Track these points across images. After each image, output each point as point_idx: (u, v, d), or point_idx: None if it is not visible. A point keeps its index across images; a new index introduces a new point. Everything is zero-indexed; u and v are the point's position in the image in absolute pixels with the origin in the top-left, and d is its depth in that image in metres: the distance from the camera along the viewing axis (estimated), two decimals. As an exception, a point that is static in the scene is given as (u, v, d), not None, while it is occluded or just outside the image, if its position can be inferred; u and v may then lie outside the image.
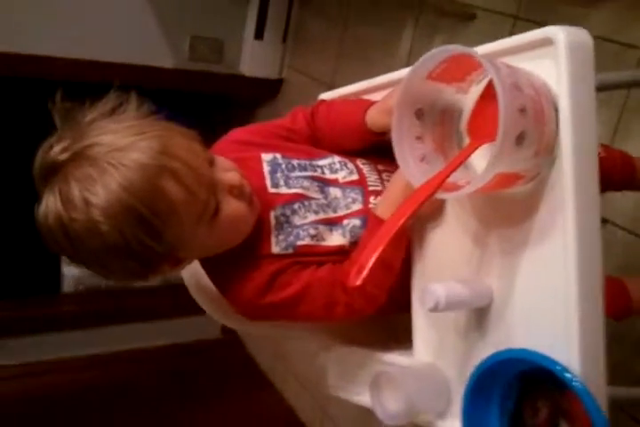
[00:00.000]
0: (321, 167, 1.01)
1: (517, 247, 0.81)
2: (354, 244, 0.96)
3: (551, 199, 0.77)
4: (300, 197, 0.97)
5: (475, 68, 0.80)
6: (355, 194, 0.99)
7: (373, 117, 0.98)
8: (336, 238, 0.97)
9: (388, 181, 0.99)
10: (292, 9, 2.58)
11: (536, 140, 0.73)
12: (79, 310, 3.04)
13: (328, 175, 1.00)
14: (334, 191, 0.99)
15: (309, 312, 0.96)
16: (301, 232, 0.95)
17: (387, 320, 1.13)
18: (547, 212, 0.78)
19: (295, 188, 0.97)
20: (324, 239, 0.96)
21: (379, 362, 1.01)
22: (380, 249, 0.75)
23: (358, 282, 0.75)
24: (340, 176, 1.00)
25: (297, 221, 0.96)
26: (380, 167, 1.03)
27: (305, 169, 0.99)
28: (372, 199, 0.99)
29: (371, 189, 1.00)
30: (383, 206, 0.93)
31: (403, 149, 0.81)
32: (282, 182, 0.97)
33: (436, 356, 0.92)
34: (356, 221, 0.97)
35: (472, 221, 0.87)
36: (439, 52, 0.75)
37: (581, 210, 0.75)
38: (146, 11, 2.46)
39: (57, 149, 0.83)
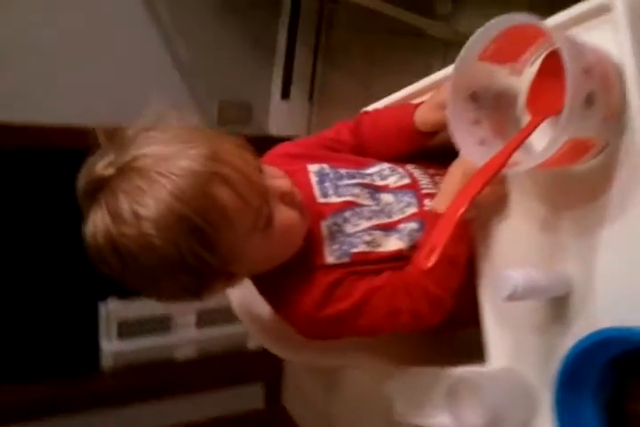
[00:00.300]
0: (370, 175, 0.98)
1: (592, 227, 0.76)
2: (412, 248, 0.92)
3: (624, 171, 0.73)
4: (350, 205, 0.93)
5: (529, 44, 0.78)
6: (408, 198, 0.95)
7: (423, 115, 0.95)
8: (393, 243, 0.93)
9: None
10: (316, 67, 2.62)
11: (604, 103, 0.69)
12: (120, 387, 2.97)
13: (378, 182, 0.97)
14: (386, 197, 0.96)
15: (372, 324, 0.91)
16: (355, 240, 0.92)
17: (448, 337, 1.07)
18: (620, 185, 0.74)
19: (345, 196, 0.94)
20: (380, 245, 0.92)
21: (450, 378, 0.95)
22: (450, 228, 0.71)
23: (430, 263, 0.71)
24: (391, 181, 0.97)
25: (349, 229, 0.92)
26: (432, 171, 1.00)
27: (353, 177, 0.96)
28: (426, 202, 0.95)
29: (424, 191, 0.96)
30: (441, 201, 0.89)
31: (460, 133, 0.78)
32: (331, 191, 0.94)
33: (513, 359, 0.86)
34: (414, 225, 0.93)
35: (538, 205, 0.82)
36: (493, 26, 0.73)
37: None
38: (174, 78, 2.50)
39: (101, 165, 0.80)
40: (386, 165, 0.99)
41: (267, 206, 0.84)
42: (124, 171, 0.79)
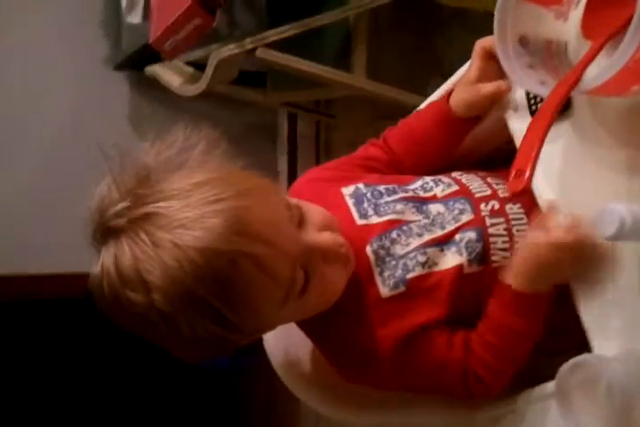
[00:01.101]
0: (412, 190, 0.86)
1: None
2: (473, 262, 0.80)
3: None
4: (395, 224, 0.82)
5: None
6: (460, 204, 0.83)
7: (458, 97, 0.86)
8: (451, 258, 0.80)
9: (497, 184, 0.86)
10: (319, 160, 2.57)
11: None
12: None
13: (423, 195, 0.86)
14: (435, 208, 0.84)
15: (435, 386, 0.83)
16: (409, 262, 0.80)
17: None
18: None
19: (387, 214, 0.82)
20: (436, 264, 0.80)
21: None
22: (539, 144, 0.60)
23: (522, 186, 0.59)
24: (438, 191, 0.86)
25: (399, 250, 0.80)
26: (481, 174, 0.89)
27: (395, 192, 0.85)
28: (482, 206, 0.83)
29: (477, 195, 0.84)
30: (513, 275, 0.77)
31: (517, 73, 0.70)
32: (371, 212, 0.83)
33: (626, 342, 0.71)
34: (471, 234, 0.80)
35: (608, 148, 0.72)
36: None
37: None
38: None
39: (112, 212, 0.69)
40: (428, 178, 0.88)
41: (302, 274, 0.73)
42: (136, 228, 0.68)
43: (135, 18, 1.95)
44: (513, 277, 0.76)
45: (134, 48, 1.99)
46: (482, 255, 0.80)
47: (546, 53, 0.74)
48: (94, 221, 0.71)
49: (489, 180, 0.88)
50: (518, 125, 0.82)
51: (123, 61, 2.14)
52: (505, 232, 0.81)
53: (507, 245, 0.81)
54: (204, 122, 0.75)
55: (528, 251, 0.75)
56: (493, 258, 0.81)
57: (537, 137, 0.61)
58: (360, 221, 0.83)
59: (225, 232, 0.66)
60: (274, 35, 1.52)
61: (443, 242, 0.81)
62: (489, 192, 0.85)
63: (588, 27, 0.72)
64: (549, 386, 0.77)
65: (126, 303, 0.68)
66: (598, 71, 0.62)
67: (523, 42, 0.72)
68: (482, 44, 0.83)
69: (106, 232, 0.70)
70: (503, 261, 0.80)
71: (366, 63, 1.58)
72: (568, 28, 0.75)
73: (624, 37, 0.60)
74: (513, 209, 0.83)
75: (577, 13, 0.74)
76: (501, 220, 0.82)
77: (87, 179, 0.69)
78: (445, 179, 0.88)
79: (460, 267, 0.80)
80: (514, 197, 0.69)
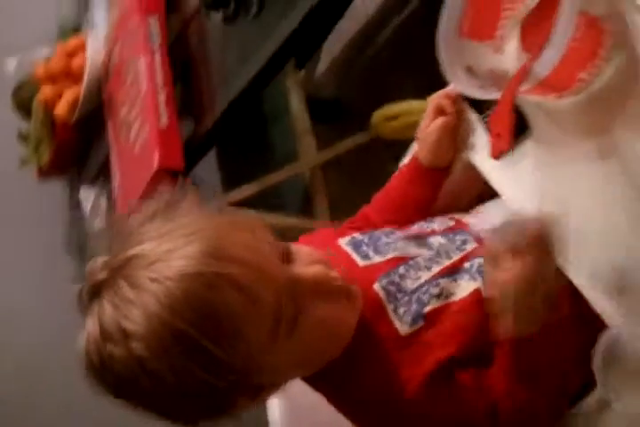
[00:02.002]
0: (410, 231, 0.89)
1: None
2: None
3: None
4: (400, 260, 0.82)
5: (497, 16, 0.81)
6: (461, 235, 0.85)
7: (421, 147, 0.92)
8: (465, 286, 0.80)
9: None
10: None
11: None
12: None
13: (421, 232, 0.88)
14: (436, 240, 0.85)
15: None
16: (422, 296, 0.79)
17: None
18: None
19: (390, 253, 0.83)
20: (453, 294, 0.79)
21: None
22: (510, 109, 0.64)
23: (506, 146, 0.62)
24: (435, 226, 0.88)
25: (410, 285, 0.80)
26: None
27: (392, 233, 0.87)
28: (482, 235, 0.84)
29: (475, 229, 0.87)
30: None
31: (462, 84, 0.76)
32: (372, 253, 0.84)
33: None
34: (480, 260, 0.81)
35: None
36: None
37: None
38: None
39: (97, 266, 0.69)
40: (422, 222, 0.91)
41: (291, 305, 0.69)
42: (116, 276, 0.67)
43: (99, 222, 2.01)
44: (504, 329, 0.74)
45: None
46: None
47: (493, 79, 0.81)
48: (84, 284, 0.69)
49: (480, 215, 0.91)
50: (486, 165, 0.87)
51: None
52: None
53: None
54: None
55: (500, 296, 0.73)
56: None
57: (506, 106, 0.65)
58: (362, 263, 0.82)
59: (200, 256, 0.64)
60: (236, 194, 1.60)
61: (453, 272, 0.81)
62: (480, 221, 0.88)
63: (527, 46, 0.79)
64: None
65: (108, 363, 0.65)
66: (542, 58, 0.68)
67: (469, 71, 0.79)
68: (431, 101, 0.91)
69: (93, 289, 0.68)
70: None
71: (329, 204, 1.65)
72: (505, 59, 0.83)
73: (556, 24, 0.67)
74: None
75: (511, 46, 0.82)
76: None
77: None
78: (439, 218, 0.90)
79: (477, 291, 0.79)
80: (498, 158, 0.70)
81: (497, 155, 0.66)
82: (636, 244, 0.70)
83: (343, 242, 0.87)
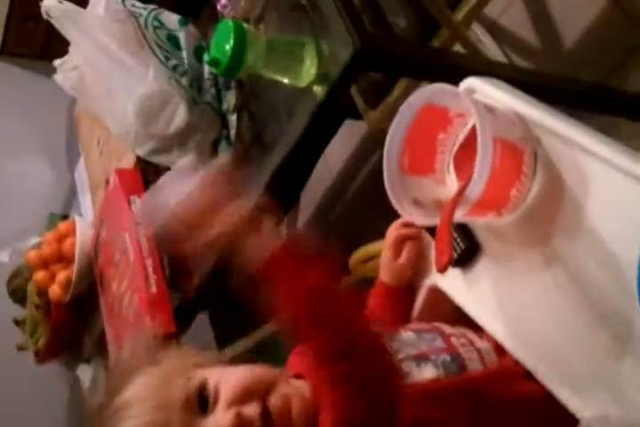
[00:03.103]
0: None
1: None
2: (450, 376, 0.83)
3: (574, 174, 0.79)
4: None
5: (433, 150, 0.91)
6: (432, 335, 0.89)
7: (384, 271, 1.00)
8: (427, 371, 0.84)
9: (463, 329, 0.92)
10: None
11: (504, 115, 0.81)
12: None
13: (393, 329, 0.92)
14: (408, 335, 0.90)
15: None
16: None
17: None
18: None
19: None
20: (412, 376, 0.83)
21: None
22: (448, 231, 0.72)
23: (447, 259, 0.69)
24: (410, 326, 0.94)
25: None
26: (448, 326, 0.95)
27: None
28: (453, 339, 0.88)
29: (448, 332, 0.90)
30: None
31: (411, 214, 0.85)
32: None
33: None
34: (446, 357, 0.85)
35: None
36: (396, 127, 0.87)
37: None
38: None
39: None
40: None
41: None
42: None
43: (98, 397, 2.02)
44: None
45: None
46: (458, 373, 0.83)
47: (439, 207, 0.89)
48: None
49: (456, 326, 0.93)
50: (448, 283, 0.94)
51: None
52: (478, 359, 0.85)
53: (482, 367, 0.84)
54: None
55: None
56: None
57: (445, 227, 0.73)
58: None
59: None
60: (230, 351, 1.64)
61: (418, 358, 0.84)
62: (458, 333, 0.90)
63: (462, 176, 0.89)
64: None
65: None
66: (471, 182, 0.77)
67: (416, 202, 0.88)
68: (390, 234, 1.00)
69: None
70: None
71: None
72: (448, 189, 0.92)
73: (477, 153, 0.77)
74: (482, 345, 0.88)
75: (451, 177, 0.92)
76: (472, 349, 0.87)
77: None
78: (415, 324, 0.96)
79: (436, 380, 0.82)
80: (442, 271, 0.76)
81: (441, 268, 0.73)
82: (589, 342, 0.75)
83: None
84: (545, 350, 0.81)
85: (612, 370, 0.73)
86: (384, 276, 1.01)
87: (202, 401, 0.78)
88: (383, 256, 1.01)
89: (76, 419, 2.19)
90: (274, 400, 0.77)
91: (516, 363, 0.83)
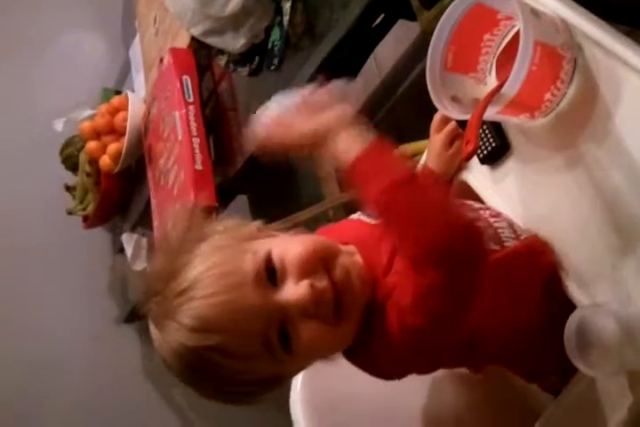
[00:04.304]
0: None
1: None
2: (490, 240, 0.85)
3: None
4: None
5: (477, 51, 0.94)
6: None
7: (433, 161, 1.04)
8: None
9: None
10: None
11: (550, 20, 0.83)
12: None
13: None
14: None
15: None
16: None
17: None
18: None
19: None
20: None
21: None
22: (478, 121, 0.76)
23: (472, 147, 0.75)
24: None
25: None
26: None
27: None
28: (482, 212, 0.92)
29: (477, 206, 0.95)
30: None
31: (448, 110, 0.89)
32: None
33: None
34: (480, 224, 0.86)
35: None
36: (444, 24, 0.90)
37: None
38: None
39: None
40: None
41: (276, 338, 0.77)
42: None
43: (140, 264, 2.15)
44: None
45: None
46: (495, 238, 0.86)
47: (476, 106, 0.93)
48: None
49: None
50: (475, 178, 0.99)
51: (132, 312, 2.29)
52: (509, 227, 0.89)
53: (514, 235, 0.88)
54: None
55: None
56: (506, 244, 0.86)
57: (476, 119, 0.78)
58: (372, 222, 0.89)
59: (188, 334, 0.76)
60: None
61: None
62: (485, 206, 0.95)
63: (502, 77, 0.92)
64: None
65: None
66: (509, 81, 0.81)
67: (455, 99, 0.92)
68: (433, 122, 1.04)
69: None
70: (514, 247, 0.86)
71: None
72: (487, 89, 0.95)
73: (518, 54, 0.80)
74: (508, 217, 0.92)
75: (492, 78, 0.95)
76: (502, 219, 0.91)
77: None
78: None
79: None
80: (467, 159, 0.80)
81: (466, 157, 0.78)
82: (603, 236, 0.81)
83: (354, 216, 0.96)
84: (558, 243, 0.86)
85: (615, 266, 0.79)
86: (432, 164, 1.04)
87: (270, 274, 0.78)
88: (434, 146, 1.04)
89: (118, 284, 2.33)
90: (338, 271, 0.79)
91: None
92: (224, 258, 0.79)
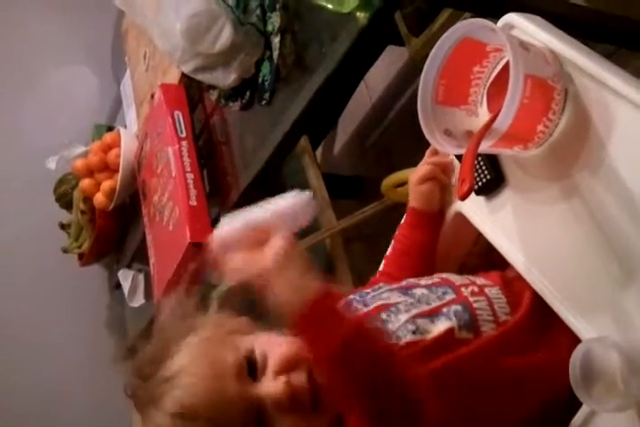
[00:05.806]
0: (394, 285, 0.98)
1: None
2: (463, 328, 0.86)
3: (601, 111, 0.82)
4: (383, 308, 0.91)
5: (467, 83, 0.94)
6: (443, 289, 0.93)
7: (414, 195, 1.04)
8: (442, 324, 0.87)
9: (473, 277, 0.97)
10: None
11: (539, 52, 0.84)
12: None
13: (406, 285, 0.97)
14: (419, 291, 0.94)
15: None
16: (400, 333, 0.87)
17: None
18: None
19: (374, 302, 0.92)
20: (428, 331, 0.86)
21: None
22: (472, 161, 0.76)
23: (467, 187, 0.74)
24: (421, 281, 0.97)
25: (392, 326, 0.88)
26: (456, 275, 1.00)
27: (380, 288, 0.97)
28: (463, 289, 0.92)
29: (457, 283, 0.94)
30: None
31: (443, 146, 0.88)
32: (360, 306, 0.93)
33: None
34: (458, 307, 0.89)
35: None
36: (435, 56, 0.90)
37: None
38: None
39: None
40: (411, 278, 1.00)
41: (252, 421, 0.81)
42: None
43: (138, 300, 2.14)
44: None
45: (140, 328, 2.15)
46: (470, 323, 0.86)
47: (469, 138, 0.93)
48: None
49: (465, 275, 0.98)
50: (471, 209, 0.99)
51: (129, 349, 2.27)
52: (488, 308, 0.89)
53: (492, 318, 0.88)
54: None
55: None
56: (482, 328, 0.86)
57: (469, 157, 0.78)
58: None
59: (170, 421, 0.80)
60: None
61: (431, 315, 0.88)
62: (467, 281, 0.95)
63: (493, 109, 0.92)
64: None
65: None
66: (500, 115, 0.81)
67: (447, 133, 0.92)
68: (425, 164, 1.05)
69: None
70: (492, 331, 0.86)
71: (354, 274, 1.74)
72: (480, 121, 0.95)
73: (509, 87, 0.80)
74: (492, 291, 0.91)
75: (483, 109, 0.95)
76: (483, 298, 0.90)
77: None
78: (426, 277, 0.99)
79: (451, 330, 0.85)
80: (462, 199, 0.81)
81: (462, 197, 0.77)
82: (602, 266, 0.81)
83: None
84: (557, 273, 0.85)
85: (617, 297, 0.78)
86: (413, 201, 1.05)
87: (251, 368, 0.83)
88: (410, 181, 1.05)
89: (116, 321, 2.31)
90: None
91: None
92: (210, 350, 0.84)
